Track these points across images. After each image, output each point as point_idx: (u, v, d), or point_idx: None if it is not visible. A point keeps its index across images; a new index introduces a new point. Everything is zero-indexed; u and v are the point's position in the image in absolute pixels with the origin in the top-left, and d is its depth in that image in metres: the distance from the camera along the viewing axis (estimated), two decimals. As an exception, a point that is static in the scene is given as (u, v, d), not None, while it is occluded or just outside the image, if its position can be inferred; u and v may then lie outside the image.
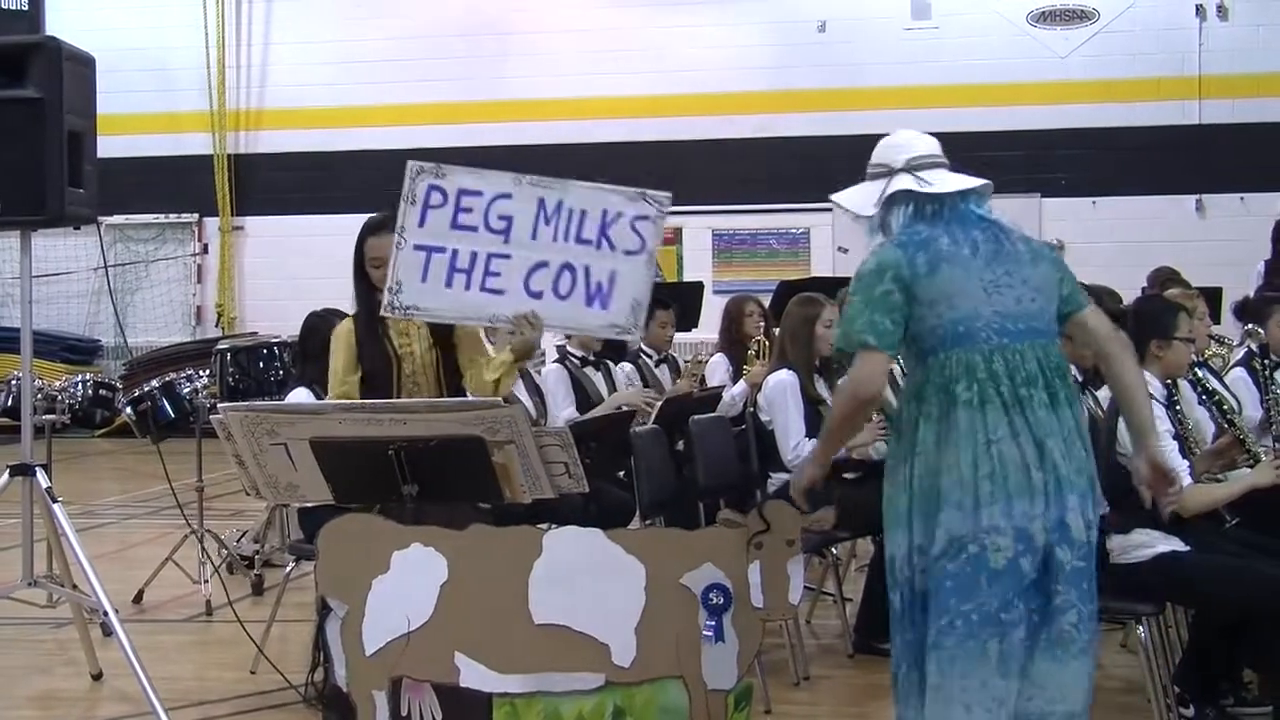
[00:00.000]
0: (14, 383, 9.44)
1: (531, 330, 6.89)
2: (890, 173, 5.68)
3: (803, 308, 8.32)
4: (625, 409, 8.96)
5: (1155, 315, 6.75)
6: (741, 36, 18.38)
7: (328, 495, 6.55)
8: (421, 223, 6.91)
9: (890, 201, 5.65)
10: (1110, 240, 16.88)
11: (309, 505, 7.50)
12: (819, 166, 17.99)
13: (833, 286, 10.90)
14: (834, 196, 5.88)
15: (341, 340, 7.16)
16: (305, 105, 19.12)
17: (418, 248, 6.90)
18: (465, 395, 7.12)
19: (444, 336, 7.12)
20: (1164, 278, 10.94)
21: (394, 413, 6.16)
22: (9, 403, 9.84)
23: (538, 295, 6.96)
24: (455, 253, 6.93)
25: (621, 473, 8.45)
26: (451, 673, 5.62)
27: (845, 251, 17.64)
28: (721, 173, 18.33)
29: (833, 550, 8.38)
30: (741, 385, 9.39)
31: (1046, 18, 17.90)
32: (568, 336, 9.47)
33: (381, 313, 6.84)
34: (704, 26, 18.35)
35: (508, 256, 6.96)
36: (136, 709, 6.98)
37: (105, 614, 7.17)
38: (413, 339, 7.13)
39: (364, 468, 5.90)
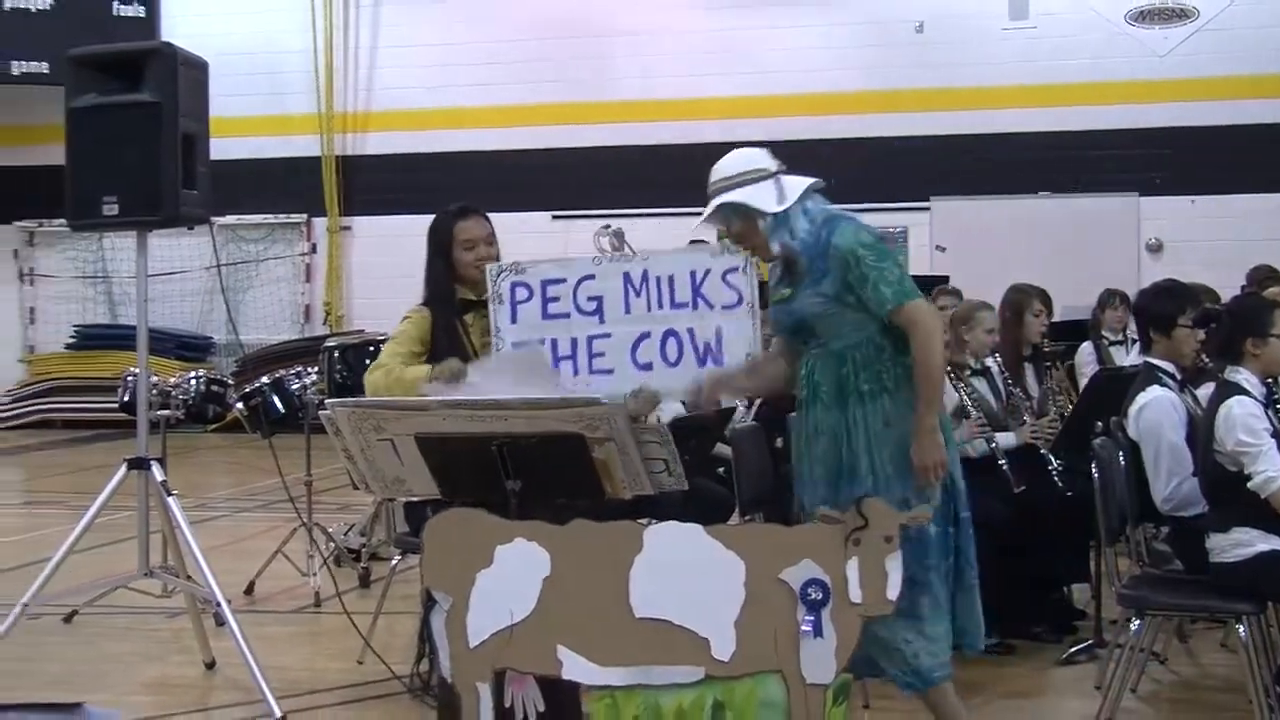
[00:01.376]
0: (130, 379, 9.52)
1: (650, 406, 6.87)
2: (771, 174, 6.08)
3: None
4: (725, 407, 8.96)
5: (1251, 313, 6.67)
6: (839, 37, 18.31)
7: (434, 489, 6.58)
8: (514, 319, 6.88)
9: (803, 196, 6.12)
10: (1208, 239, 16.71)
11: (415, 500, 7.54)
12: (917, 166, 17.95)
13: (931, 284, 10.90)
14: (733, 197, 6.11)
15: (415, 327, 7.14)
16: (410, 107, 19.21)
17: (516, 345, 6.90)
18: None
19: None
20: (1262, 276, 10.83)
21: (496, 409, 6.19)
22: (125, 398, 9.90)
23: (648, 367, 6.85)
24: (555, 342, 6.87)
25: (721, 469, 8.45)
26: (554, 665, 5.64)
27: (943, 250, 17.54)
28: (820, 173, 18.15)
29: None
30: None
31: (1145, 16, 17.73)
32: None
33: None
34: (801, 27, 18.30)
35: (608, 335, 6.86)
36: (247, 697, 7.05)
37: (218, 604, 7.24)
38: (486, 337, 7.10)
39: (468, 463, 5.93)
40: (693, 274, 6.91)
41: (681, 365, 6.87)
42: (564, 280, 6.91)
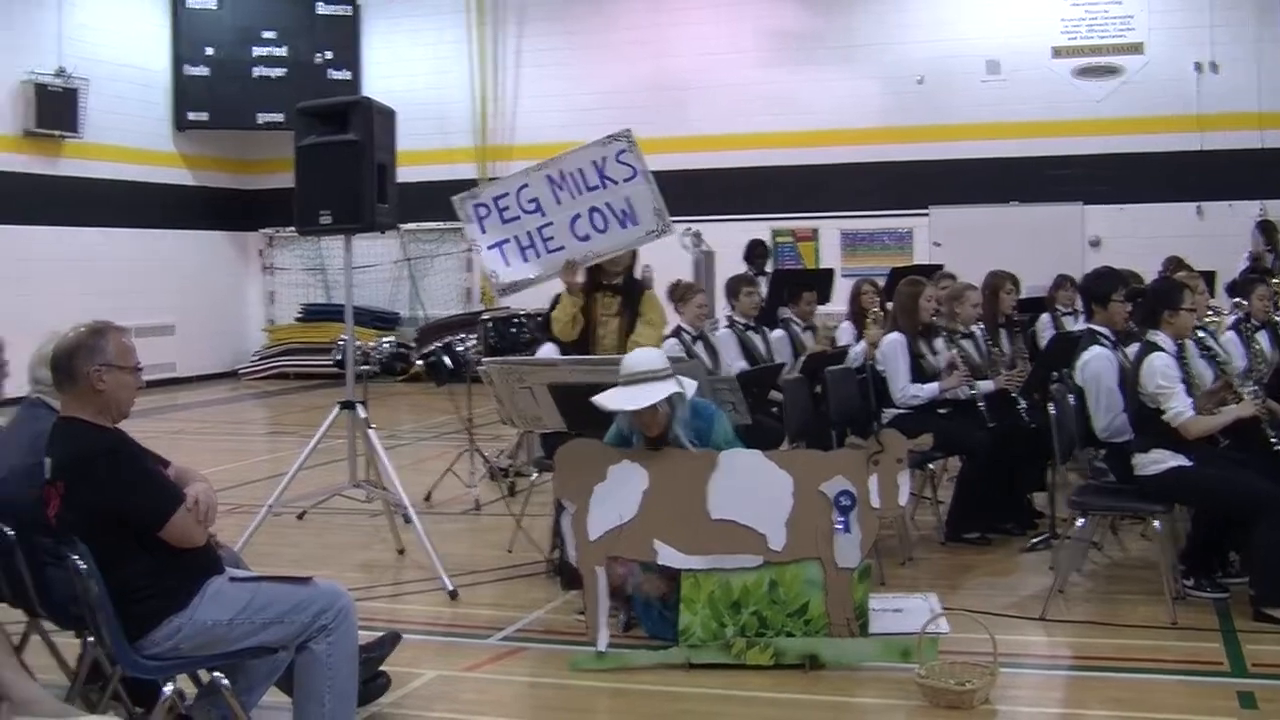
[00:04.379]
0: (340, 343, 9.58)
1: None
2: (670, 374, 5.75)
3: (909, 286, 8.22)
4: (777, 363, 8.94)
5: (1167, 292, 6.67)
6: (860, 86, 18.11)
7: (560, 424, 6.61)
8: (482, 230, 7.08)
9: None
10: (1135, 237, 16.44)
11: (547, 432, 7.56)
12: (918, 183, 17.81)
13: (930, 270, 10.79)
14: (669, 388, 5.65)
15: (571, 305, 7.13)
16: (544, 141, 19.11)
17: (490, 247, 7.08)
18: None
19: (634, 313, 7.08)
20: (1174, 265, 10.66)
21: (607, 365, 6.19)
22: (337, 357, 9.97)
23: (586, 238, 7.06)
24: (516, 238, 7.10)
25: (775, 409, 8.41)
26: (651, 554, 5.65)
27: (939, 245, 17.39)
28: (847, 188, 18.13)
29: (930, 465, 8.29)
30: (862, 344, 9.32)
31: (1086, 72, 17.34)
32: (733, 306, 9.46)
33: (496, 299, 7.05)
34: (832, 79, 18.10)
35: (550, 223, 7.08)
36: (428, 575, 7.12)
37: (405, 508, 7.31)
38: (611, 313, 7.11)
39: (585, 404, 5.94)
40: (594, 163, 7.10)
41: (609, 229, 7.09)
42: (507, 193, 7.16)
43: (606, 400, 5.58)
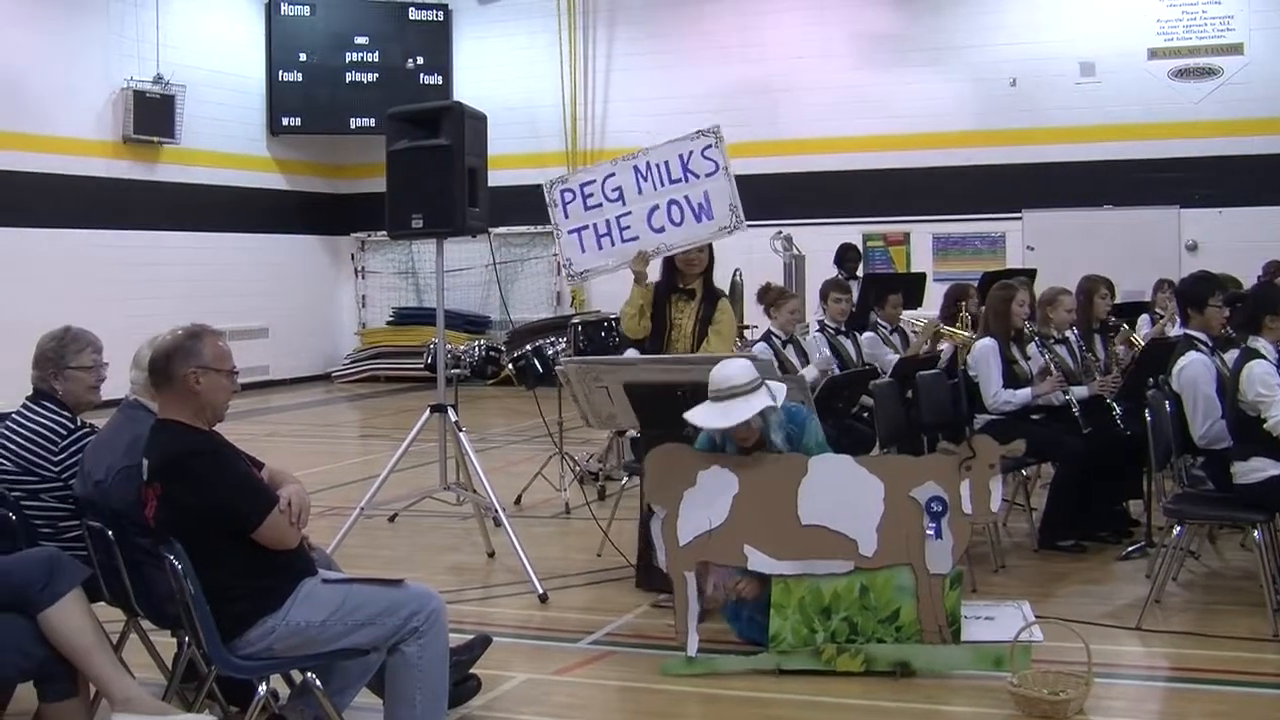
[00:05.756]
0: (432, 346, 9.68)
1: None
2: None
3: (1002, 291, 8.13)
4: (868, 367, 8.90)
5: (1268, 296, 6.63)
6: (952, 89, 17.96)
7: (635, 423, 6.67)
8: (565, 215, 7.25)
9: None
10: (1232, 240, 16.14)
11: (637, 435, 7.56)
12: (1011, 186, 17.62)
13: (1021, 275, 10.67)
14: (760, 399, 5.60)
15: (639, 296, 7.23)
16: (632, 144, 19.12)
17: (570, 232, 7.21)
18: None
19: (707, 318, 7.14)
20: (1275, 268, 10.47)
21: (681, 364, 6.20)
22: (428, 361, 10.07)
23: (661, 230, 7.20)
24: (595, 225, 7.26)
25: (865, 414, 8.36)
26: (741, 559, 5.63)
27: (1032, 249, 17.19)
28: (938, 192, 18.00)
29: (1023, 471, 8.19)
30: (946, 345, 9.28)
31: (1183, 74, 17.07)
32: (824, 310, 9.42)
33: (567, 285, 7.20)
34: (924, 82, 17.97)
35: (630, 213, 7.26)
36: (518, 578, 7.13)
37: (496, 511, 7.34)
38: (685, 316, 7.18)
39: (661, 404, 5.94)
40: (680, 156, 7.23)
41: (684, 223, 7.23)
42: (594, 180, 7.37)
43: (697, 418, 5.57)
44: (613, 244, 7.28)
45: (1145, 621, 6.17)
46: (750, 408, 5.51)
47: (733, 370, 5.63)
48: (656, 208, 7.23)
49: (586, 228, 7.32)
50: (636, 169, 7.28)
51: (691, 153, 7.24)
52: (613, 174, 7.33)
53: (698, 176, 7.22)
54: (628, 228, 7.26)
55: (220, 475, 4.21)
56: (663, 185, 7.25)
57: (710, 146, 7.24)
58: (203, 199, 18.57)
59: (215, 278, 18.47)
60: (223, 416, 4.42)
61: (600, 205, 7.31)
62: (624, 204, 7.27)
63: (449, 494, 8.01)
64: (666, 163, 7.28)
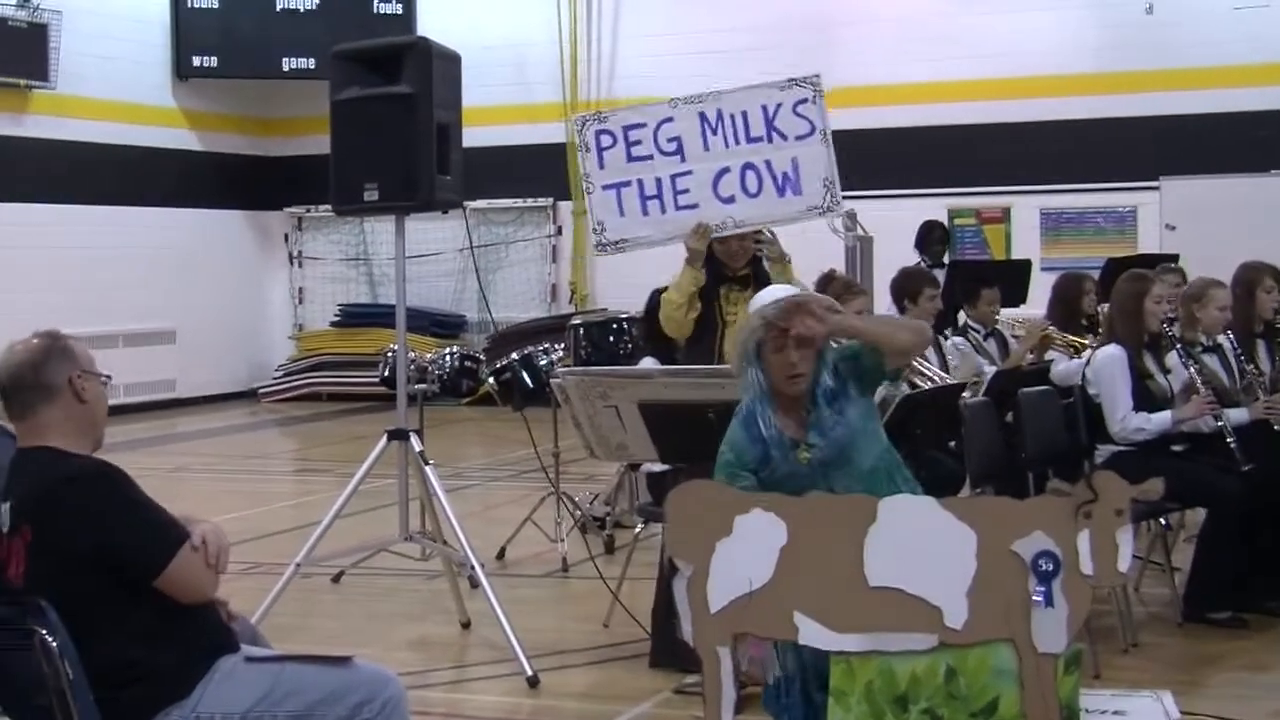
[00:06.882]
0: (390, 355, 9.70)
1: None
2: None
3: (1132, 283, 8.12)
4: (954, 381, 8.90)
5: None
6: (1068, 20, 17.98)
7: (653, 454, 6.65)
8: (601, 165, 7.18)
9: None
10: None
11: (656, 471, 7.57)
12: (1147, 146, 17.58)
13: (1157, 262, 10.67)
14: None
15: (691, 282, 7.22)
16: (648, 94, 19.12)
17: (605, 188, 7.15)
18: None
19: None
20: None
21: (714, 377, 6.21)
22: (386, 373, 10.11)
23: (730, 200, 7.12)
24: (640, 182, 7.16)
25: (952, 443, 8.36)
26: (791, 630, 5.62)
27: (1173, 229, 17.16)
28: (1048, 153, 18.00)
29: (1162, 519, 8.18)
30: (1058, 353, 9.29)
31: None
32: (903, 311, 9.42)
33: (595, 254, 7.13)
34: (1030, 11, 17.98)
35: (689, 173, 7.16)
36: (501, 656, 7.14)
37: (472, 568, 7.36)
38: (740, 311, 7.13)
39: (686, 429, 5.96)
40: (764, 108, 7.12)
41: (762, 195, 7.11)
42: (644, 125, 7.23)
43: (760, 300, 5.44)
44: (663, 210, 7.27)
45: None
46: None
47: (785, 287, 5.67)
48: (727, 171, 7.23)
49: (629, 184, 7.30)
50: (704, 117, 7.24)
51: (780, 105, 7.21)
52: (670, 119, 7.30)
53: (785, 138, 7.20)
54: (685, 191, 7.24)
55: (112, 505, 4.22)
56: (737, 143, 7.23)
57: (805, 101, 7.22)
58: (85, 161, 18.61)
59: (101, 266, 18.50)
60: (103, 439, 4.47)
61: (650, 158, 7.30)
62: (683, 160, 7.26)
63: (411, 546, 8.03)
64: (745, 114, 7.24)
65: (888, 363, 5.59)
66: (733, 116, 7.19)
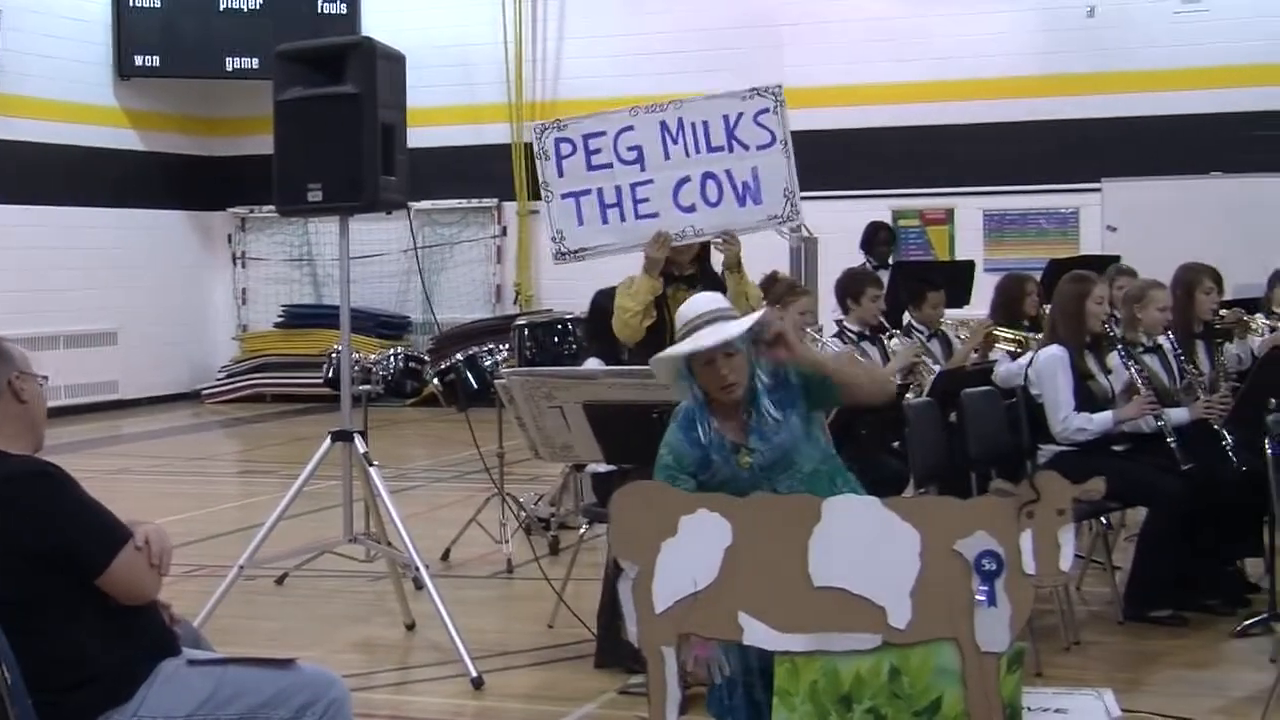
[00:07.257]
0: (334, 356, 9.67)
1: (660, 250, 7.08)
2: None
3: (1074, 284, 8.17)
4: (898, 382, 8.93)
5: None
6: (1010, 23, 18.07)
7: (598, 455, 6.65)
8: (560, 173, 7.19)
9: None
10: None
11: (601, 471, 7.57)
12: (1089, 148, 17.69)
13: (1102, 264, 10.73)
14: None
15: (648, 290, 7.22)
16: (594, 96, 19.14)
17: (564, 196, 7.20)
18: None
19: None
20: None
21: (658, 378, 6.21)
22: (330, 374, 10.07)
23: (690, 209, 7.14)
24: (600, 191, 7.18)
25: (895, 443, 8.39)
26: (735, 631, 5.62)
27: (1114, 230, 17.27)
28: (992, 155, 18.09)
29: (1103, 519, 8.23)
30: (1000, 353, 9.34)
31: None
32: (846, 311, 9.46)
33: (554, 263, 7.13)
34: (973, 14, 18.07)
35: (650, 181, 7.19)
36: (445, 657, 7.14)
37: (417, 569, 7.35)
38: None
39: (631, 430, 5.97)
40: (725, 118, 7.15)
41: (723, 204, 7.14)
42: (604, 133, 7.23)
43: (675, 351, 5.51)
44: (622, 219, 7.27)
45: (1271, 719, 6.18)
46: (741, 325, 5.47)
47: (706, 298, 5.62)
48: (687, 180, 7.22)
49: (588, 193, 7.29)
50: (664, 126, 7.23)
51: (741, 115, 7.21)
52: (630, 127, 7.29)
53: (746, 148, 7.20)
54: (645, 200, 7.24)
55: (54, 504, 4.21)
56: (698, 152, 7.23)
57: (767, 111, 7.22)
58: (25, 160, 18.47)
59: (42, 266, 18.37)
60: (43, 442, 4.46)
61: (610, 167, 7.29)
62: (643, 169, 7.25)
63: (355, 548, 8.00)
64: (706, 123, 7.23)
65: (843, 398, 5.63)
66: (694, 125, 7.20)
